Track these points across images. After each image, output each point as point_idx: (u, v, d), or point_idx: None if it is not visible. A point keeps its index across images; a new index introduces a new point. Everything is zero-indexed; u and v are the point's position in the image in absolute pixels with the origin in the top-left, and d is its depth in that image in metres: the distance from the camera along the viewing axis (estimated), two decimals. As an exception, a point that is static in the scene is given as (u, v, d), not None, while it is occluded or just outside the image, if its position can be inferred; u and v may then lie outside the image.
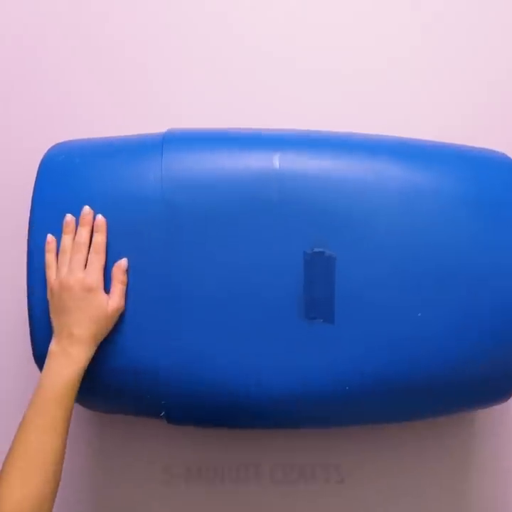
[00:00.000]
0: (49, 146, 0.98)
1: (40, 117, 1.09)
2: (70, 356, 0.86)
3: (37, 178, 0.94)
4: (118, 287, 0.91)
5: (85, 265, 0.91)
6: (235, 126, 1.02)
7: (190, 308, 0.92)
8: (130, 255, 0.92)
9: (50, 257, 0.92)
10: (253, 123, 1.02)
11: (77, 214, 0.93)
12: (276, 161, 0.92)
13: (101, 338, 0.91)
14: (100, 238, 0.92)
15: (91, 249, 0.92)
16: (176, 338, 0.91)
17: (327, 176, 0.92)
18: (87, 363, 0.88)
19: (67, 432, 0.85)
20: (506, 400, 0.97)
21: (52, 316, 0.91)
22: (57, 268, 0.92)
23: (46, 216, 0.92)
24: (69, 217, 0.93)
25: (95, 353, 0.90)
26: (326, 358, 0.91)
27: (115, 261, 0.93)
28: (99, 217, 0.93)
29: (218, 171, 0.93)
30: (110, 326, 0.92)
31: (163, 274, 0.91)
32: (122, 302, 0.92)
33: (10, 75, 1.09)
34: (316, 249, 0.90)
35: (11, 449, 0.84)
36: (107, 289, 0.92)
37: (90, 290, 0.90)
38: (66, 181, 0.93)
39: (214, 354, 0.92)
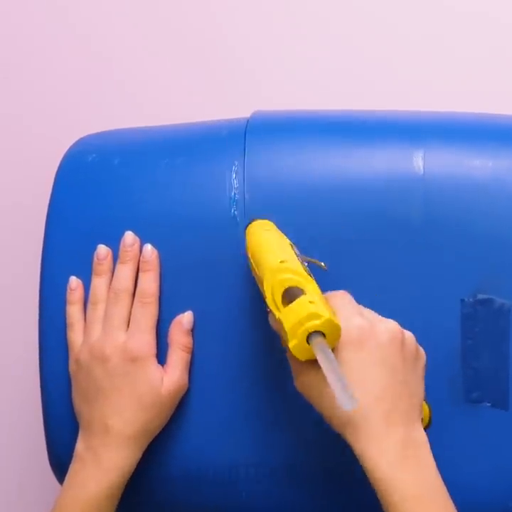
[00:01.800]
0: (71, 142, 0.84)
1: (53, 103, 0.98)
2: (100, 462, 0.71)
3: (54, 189, 0.80)
4: (178, 356, 0.74)
5: (128, 324, 0.75)
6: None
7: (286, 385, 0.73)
8: (195, 305, 0.76)
9: (74, 311, 0.76)
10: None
11: (114, 244, 0.77)
12: (419, 161, 0.74)
13: (152, 433, 0.74)
14: (150, 281, 0.75)
15: (136, 299, 0.75)
16: (271, 430, 0.74)
17: (498, 185, 0.74)
18: (128, 472, 0.72)
19: None
20: None
21: (77, 401, 0.75)
22: (86, 328, 0.75)
23: (67, 246, 0.78)
24: (103, 250, 0.76)
25: (144, 456, 0.73)
26: (497, 459, 0.74)
27: (173, 315, 0.76)
28: (148, 248, 0.75)
29: (330, 176, 0.76)
30: (167, 415, 0.74)
31: (246, 332, 0.75)
32: (185, 378, 0.74)
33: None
34: (481, 296, 0.74)
35: None
36: (161, 359, 0.75)
37: (135, 361, 0.72)
38: (98, 193, 0.78)
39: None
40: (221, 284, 0.75)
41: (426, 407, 0.71)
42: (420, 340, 0.72)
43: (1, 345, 0.99)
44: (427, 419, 0.71)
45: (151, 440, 0.73)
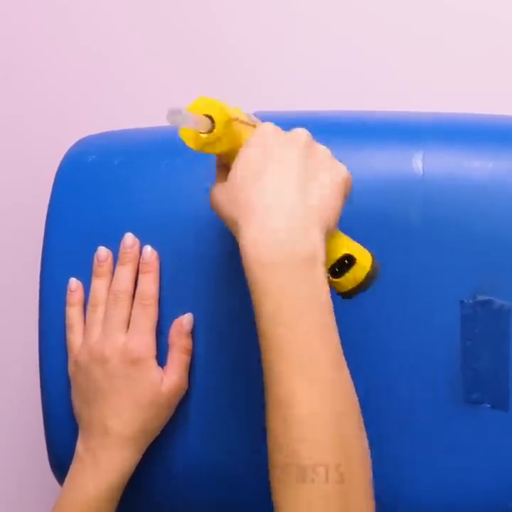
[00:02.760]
0: (71, 142, 0.83)
1: (53, 105, 0.97)
2: (99, 464, 0.70)
3: (54, 189, 0.79)
4: (178, 358, 0.73)
5: (128, 325, 0.73)
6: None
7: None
8: (195, 306, 0.74)
9: (73, 313, 0.75)
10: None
11: (114, 245, 0.76)
12: (419, 162, 0.73)
13: (151, 434, 0.73)
14: (150, 283, 0.74)
15: (136, 301, 0.74)
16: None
17: (498, 186, 0.73)
18: (127, 473, 0.72)
19: None
20: None
21: (76, 402, 0.74)
22: (86, 330, 0.74)
23: (67, 247, 0.77)
24: (103, 252, 0.75)
25: (144, 457, 0.72)
26: (496, 460, 0.73)
27: (173, 316, 0.74)
28: (148, 250, 0.74)
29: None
30: (166, 416, 0.73)
31: (247, 333, 0.72)
32: (184, 380, 0.73)
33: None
34: (481, 298, 0.73)
35: None
36: (162, 360, 0.74)
37: (135, 362, 0.71)
38: (98, 194, 0.78)
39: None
40: (221, 286, 0.74)
41: (367, 253, 0.66)
42: (420, 341, 0.72)
43: (1, 345, 0.98)
44: (368, 267, 0.65)
45: (150, 441, 0.72)
